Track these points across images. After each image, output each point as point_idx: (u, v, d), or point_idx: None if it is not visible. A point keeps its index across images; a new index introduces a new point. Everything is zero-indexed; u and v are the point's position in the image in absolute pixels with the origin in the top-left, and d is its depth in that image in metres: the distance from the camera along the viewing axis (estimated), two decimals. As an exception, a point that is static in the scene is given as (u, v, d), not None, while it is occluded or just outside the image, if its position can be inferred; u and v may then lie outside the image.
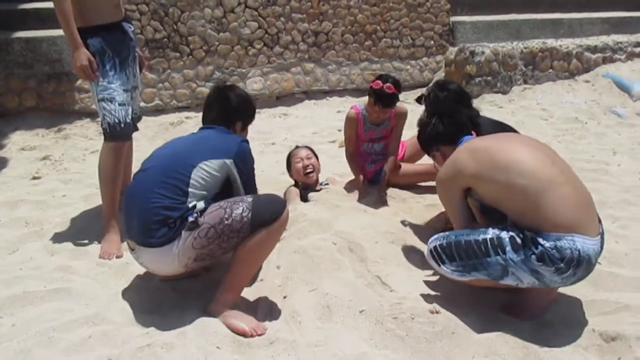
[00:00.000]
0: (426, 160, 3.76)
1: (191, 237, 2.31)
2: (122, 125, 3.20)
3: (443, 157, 2.68)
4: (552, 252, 2.16)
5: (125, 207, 2.53)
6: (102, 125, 3.24)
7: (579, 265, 2.19)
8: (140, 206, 2.39)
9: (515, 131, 3.09)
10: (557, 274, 2.19)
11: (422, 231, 3.16)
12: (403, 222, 3.29)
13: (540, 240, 2.18)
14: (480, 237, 2.31)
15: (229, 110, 2.75)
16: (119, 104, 3.19)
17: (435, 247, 2.44)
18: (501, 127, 3.13)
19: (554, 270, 2.18)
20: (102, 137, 3.31)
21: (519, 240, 2.23)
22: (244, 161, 2.58)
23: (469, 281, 2.39)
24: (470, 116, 2.80)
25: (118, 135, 3.22)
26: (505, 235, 2.27)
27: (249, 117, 2.87)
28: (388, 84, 3.57)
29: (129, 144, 3.46)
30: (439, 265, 2.42)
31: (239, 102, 2.79)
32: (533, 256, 2.19)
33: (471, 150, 2.43)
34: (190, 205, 2.37)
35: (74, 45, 3.07)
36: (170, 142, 2.73)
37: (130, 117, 3.26)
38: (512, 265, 2.23)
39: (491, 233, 2.30)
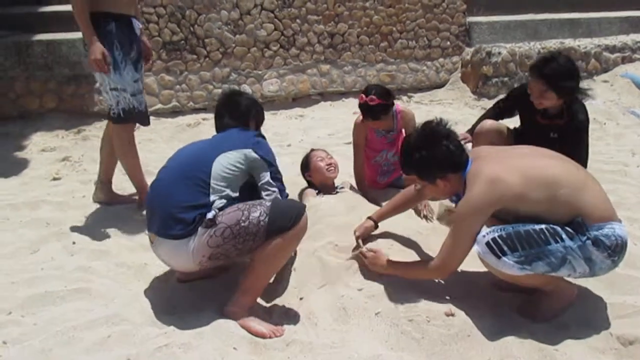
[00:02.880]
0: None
1: (207, 234, 2.35)
2: (136, 111, 3.52)
3: (448, 184, 2.49)
4: (602, 238, 2.27)
5: (148, 202, 2.60)
6: (113, 109, 3.49)
7: (622, 250, 2.33)
8: (163, 199, 2.45)
9: None
10: (608, 259, 2.30)
11: (438, 232, 3.15)
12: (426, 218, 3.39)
13: (588, 228, 2.28)
14: (537, 227, 2.29)
15: (240, 112, 2.85)
16: (131, 95, 3.47)
17: (494, 239, 2.28)
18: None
19: (607, 255, 2.28)
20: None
21: (569, 229, 2.29)
22: (265, 151, 2.63)
23: (524, 276, 2.29)
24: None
25: (131, 119, 3.54)
26: (555, 225, 2.30)
27: (260, 117, 2.95)
28: (370, 96, 3.48)
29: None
30: (499, 258, 2.27)
31: (247, 103, 2.89)
32: (588, 241, 2.26)
33: (509, 171, 2.33)
34: (211, 201, 2.41)
35: (89, 39, 3.24)
36: (192, 143, 2.83)
37: (142, 105, 3.56)
38: (571, 253, 2.26)
39: (543, 224, 2.31)
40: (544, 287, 2.44)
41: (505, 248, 2.27)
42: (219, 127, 2.84)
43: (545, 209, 2.32)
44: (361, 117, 3.76)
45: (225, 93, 3.00)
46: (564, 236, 2.27)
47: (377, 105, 3.49)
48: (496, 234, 2.30)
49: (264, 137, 2.73)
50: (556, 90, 3.15)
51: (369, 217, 2.98)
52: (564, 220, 2.31)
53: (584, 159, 3.25)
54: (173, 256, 2.45)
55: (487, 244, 2.30)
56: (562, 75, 3.13)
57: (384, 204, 3.60)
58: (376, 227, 2.97)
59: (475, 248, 2.35)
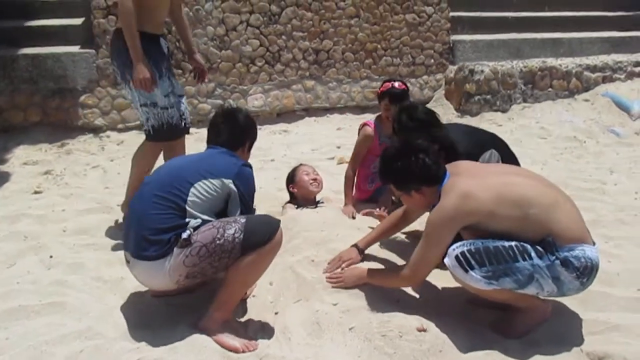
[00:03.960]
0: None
1: (183, 254, 2.35)
2: (165, 127, 3.51)
3: (423, 197, 2.55)
4: (571, 260, 2.29)
5: (126, 220, 2.59)
6: (145, 126, 3.54)
7: (592, 272, 2.35)
8: (137, 219, 2.44)
9: (491, 137, 3.25)
10: (577, 280, 2.31)
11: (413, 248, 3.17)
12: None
13: (559, 249, 2.30)
14: (506, 244, 2.33)
15: (239, 131, 2.81)
16: (161, 108, 3.48)
17: (462, 253, 2.33)
18: (474, 135, 3.21)
19: (575, 276, 2.30)
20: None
21: (539, 248, 2.31)
22: (245, 184, 2.60)
23: (492, 291, 2.33)
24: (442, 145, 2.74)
25: (161, 136, 3.54)
26: (525, 243, 2.33)
27: (255, 137, 2.94)
28: (397, 83, 3.72)
29: (181, 143, 3.70)
30: (467, 272, 2.32)
31: (246, 122, 2.85)
32: (557, 261, 2.29)
33: (482, 188, 2.37)
34: (186, 222, 2.41)
35: (136, 58, 3.31)
36: (173, 160, 2.82)
37: (173, 119, 3.53)
38: (538, 271, 2.29)
39: (513, 241, 2.34)
40: (517, 304, 2.47)
41: (473, 262, 2.32)
42: (212, 142, 2.80)
43: (516, 226, 2.36)
44: (370, 128, 3.80)
45: (225, 109, 2.96)
46: (532, 254, 2.30)
47: (404, 90, 3.69)
48: (465, 248, 2.35)
49: (249, 166, 2.69)
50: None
51: (355, 246, 2.90)
52: (536, 239, 2.34)
53: None
54: (149, 277, 2.45)
55: (456, 257, 2.35)
56: (415, 129, 3.00)
57: (360, 214, 3.64)
58: (362, 255, 2.90)
59: (446, 260, 2.39)
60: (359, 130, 3.97)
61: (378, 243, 3.08)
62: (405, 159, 2.51)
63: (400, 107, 3.22)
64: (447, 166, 2.59)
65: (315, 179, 3.78)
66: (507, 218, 2.35)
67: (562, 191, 2.54)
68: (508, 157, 3.19)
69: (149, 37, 3.42)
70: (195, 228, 2.40)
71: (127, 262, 2.52)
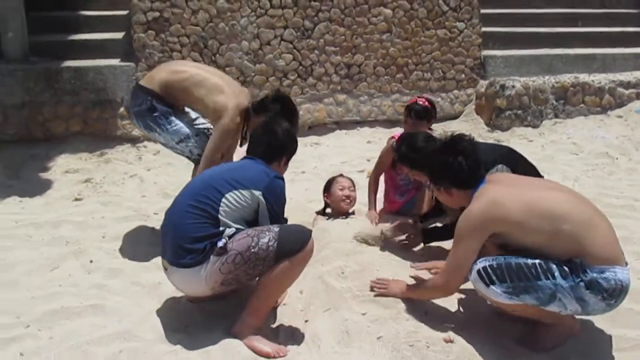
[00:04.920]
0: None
1: (219, 262, 2.45)
2: None
3: (450, 197, 2.64)
4: (600, 281, 2.27)
5: (162, 228, 2.70)
6: (191, 157, 3.69)
7: (621, 294, 2.33)
8: (174, 228, 2.56)
9: (519, 156, 3.23)
10: (602, 301, 2.30)
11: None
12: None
13: (588, 270, 2.28)
14: (530, 261, 2.34)
15: (277, 145, 2.86)
16: (195, 136, 3.63)
17: (484, 268, 2.38)
18: (504, 153, 3.18)
19: (601, 298, 2.29)
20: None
21: (565, 268, 2.30)
22: (275, 197, 2.66)
23: (513, 305, 2.37)
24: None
25: None
26: (550, 261, 2.33)
27: (293, 151, 2.98)
28: (421, 99, 3.85)
29: None
30: (487, 286, 2.37)
31: (285, 136, 2.90)
32: (582, 283, 2.27)
33: (512, 198, 2.40)
34: (221, 230, 2.51)
35: None
36: (208, 170, 2.92)
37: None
38: (561, 291, 2.29)
39: (538, 258, 2.35)
40: (544, 319, 2.48)
41: (494, 278, 2.36)
42: (250, 153, 2.86)
43: (547, 242, 2.35)
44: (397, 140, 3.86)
45: (266, 121, 3.03)
46: (556, 274, 2.30)
47: (425, 107, 3.81)
48: (487, 264, 2.39)
49: (282, 178, 2.75)
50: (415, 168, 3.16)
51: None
52: (566, 256, 2.33)
53: None
54: (187, 283, 2.56)
55: (478, 271, 2.40)
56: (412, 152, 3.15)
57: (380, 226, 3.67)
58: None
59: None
60: (388, 141, 4.02)
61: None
62: (445, 156, 2.58)
63: (400, 137, 3.29)
64: (488, 175, 2.64)
65: (348, 197, 3.77)
66: (536, 231, 2.35)
67: (598, 210, 2.51)
68: (524, 170, 3.13)
69: (160, 98, 3.56)
70: (230, 236, 2.50)
71: (165, 269, 2.64)
